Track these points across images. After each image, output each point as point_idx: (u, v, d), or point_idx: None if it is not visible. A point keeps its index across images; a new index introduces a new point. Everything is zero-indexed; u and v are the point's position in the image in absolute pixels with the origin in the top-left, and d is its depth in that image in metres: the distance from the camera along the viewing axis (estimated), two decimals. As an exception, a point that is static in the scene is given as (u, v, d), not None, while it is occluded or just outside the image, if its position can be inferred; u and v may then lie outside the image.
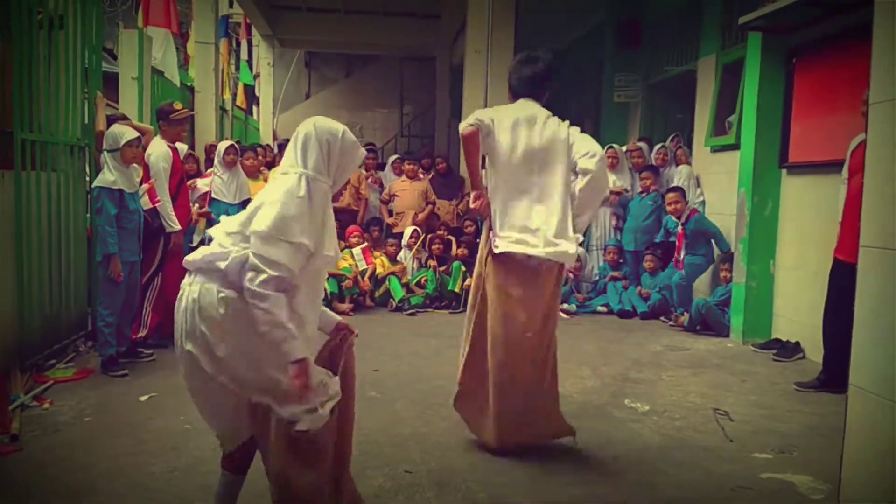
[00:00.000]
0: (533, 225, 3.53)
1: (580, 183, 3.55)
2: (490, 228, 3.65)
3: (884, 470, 2.47)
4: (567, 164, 3.58)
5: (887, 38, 2.54)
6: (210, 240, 2.54)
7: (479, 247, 3.79)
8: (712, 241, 7.18)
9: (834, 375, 4.77)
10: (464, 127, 3.55)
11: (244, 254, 2.37)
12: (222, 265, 2.38)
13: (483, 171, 3.77)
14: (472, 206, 3.75)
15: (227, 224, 2.52)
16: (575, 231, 3.58)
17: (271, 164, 8.43)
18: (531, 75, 3.68)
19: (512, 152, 3.56)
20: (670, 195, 7.31)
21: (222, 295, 2.37)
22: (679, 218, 7.21)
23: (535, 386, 3.64)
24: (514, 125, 3.58)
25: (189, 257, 2.49)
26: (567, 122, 3.71)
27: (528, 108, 3.66)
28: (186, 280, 2.48)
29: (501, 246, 3.55)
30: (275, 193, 2.43)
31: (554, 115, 3.70)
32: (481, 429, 3.73)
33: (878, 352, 2.57)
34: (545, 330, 3.65)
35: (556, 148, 3.58)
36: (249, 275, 2.32)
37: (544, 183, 3.57)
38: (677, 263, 7.23)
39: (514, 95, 3.75)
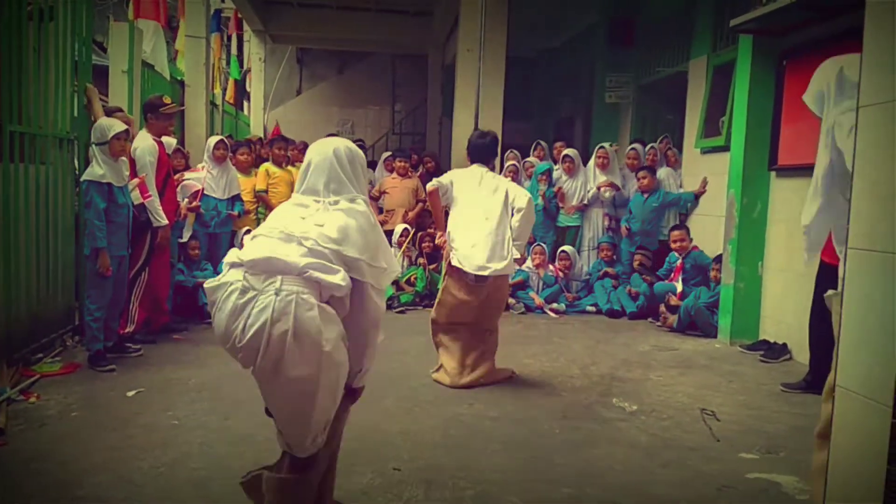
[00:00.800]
0: (477, 252, 4.77)
1: (516, 218, 4.85)
2: (449, 256, 4.95)
3: (870, 471, 2.48)
4: (505, 208, 4.87)
5: (878, 42, 2.55)
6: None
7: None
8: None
9: (820, 377, 4.79)
10: (429, 187, 5.12)
11: (349, 282, 2.39)
12: (333, 280, 2.34)
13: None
14: (437, 242, 5.24)
15: (314, 228, 2.41)
16: (517, 251, 4.89)
17: (262, 159, 8.38)
18: (481, 147, 5.07)
19: (465, 203, 4.92)
20: (675, 233, 7.30)
21: (321, 307, 2.32)
22: (681, 253, 7.25)
23: (473, 345, 4.95)
24: (467, 183, 4.96)
25: (272, 255, 2.31)
26: (507, 179, 5.52)
27: (477, 170, 5.01)
28: (258, 282, 2.29)
29: (454, 260, 4.85)
30: (363, 223, 2.49)
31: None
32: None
33: (865, 353, 2.58)
34: (482, 321, 4.99)
35: (497, 197, 4.89)
36: (374, 310, 2.49)
37: (487, 223, 4.82)
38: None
39: (471, 160, 5.09)
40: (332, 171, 2.54)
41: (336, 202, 2.51)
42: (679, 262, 7.24)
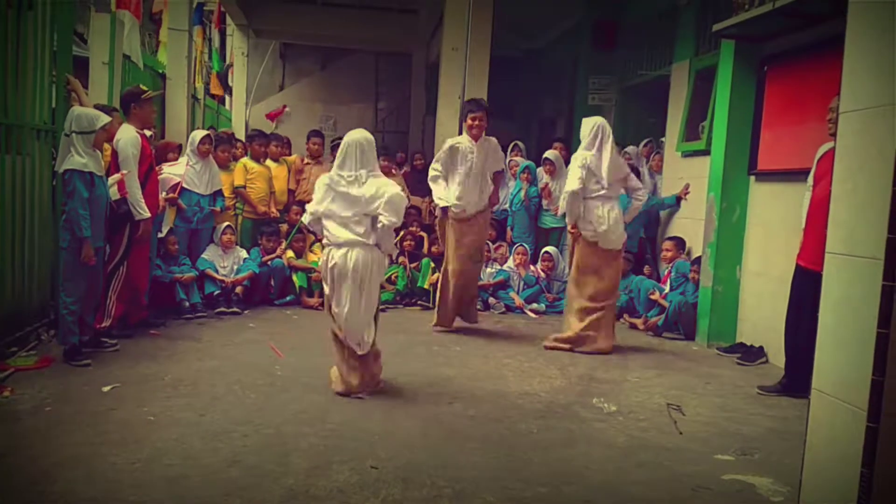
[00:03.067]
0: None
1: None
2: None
3: (844, 473, 2.51)
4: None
5: (859, 49, 2.58)
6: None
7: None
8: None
9: (795, 380, 4.85)
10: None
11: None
12: (392, 222, 4.41)
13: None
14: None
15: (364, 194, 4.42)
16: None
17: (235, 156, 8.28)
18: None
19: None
20: (667, 243, 7.39)
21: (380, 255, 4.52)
22: (668, 262, 7.30)
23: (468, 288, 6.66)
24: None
25: (352, 237, 4.39)
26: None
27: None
28: (345, 249, 4.40)
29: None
30: (385, 182, 4.49)
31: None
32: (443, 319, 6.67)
33: (841, 357, 2.61)
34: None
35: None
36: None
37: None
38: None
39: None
40: (360, 153, 4.44)
41: (362, 174, 4.42)
42: (667, 271, 7.31)
